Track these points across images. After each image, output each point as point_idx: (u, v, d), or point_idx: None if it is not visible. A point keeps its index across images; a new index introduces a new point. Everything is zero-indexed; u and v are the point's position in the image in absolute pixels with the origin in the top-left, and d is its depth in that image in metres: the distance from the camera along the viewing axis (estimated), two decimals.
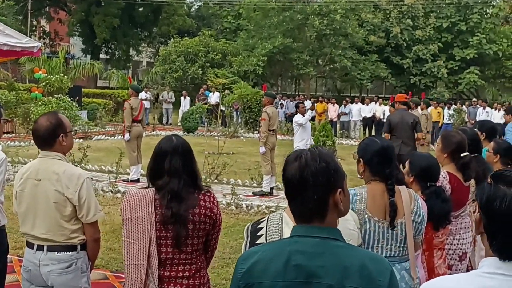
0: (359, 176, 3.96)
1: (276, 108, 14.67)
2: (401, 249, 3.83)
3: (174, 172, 3.58)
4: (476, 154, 5.61)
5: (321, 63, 39.45)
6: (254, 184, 13.03)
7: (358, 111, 27.73)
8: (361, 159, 3.85)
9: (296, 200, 2.22)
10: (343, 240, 2.22)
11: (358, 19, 39.33)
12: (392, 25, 39.88)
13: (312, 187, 2.18)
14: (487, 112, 24.72)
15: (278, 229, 3.12)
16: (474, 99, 31.30)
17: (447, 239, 4.87)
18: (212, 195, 3.68)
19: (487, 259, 1.98)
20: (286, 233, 2.84)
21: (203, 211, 3.57)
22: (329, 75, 41.78)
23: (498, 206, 1.92)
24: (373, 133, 26.59)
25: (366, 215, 3.75)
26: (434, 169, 4.58)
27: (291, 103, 28.82)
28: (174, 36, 41.52)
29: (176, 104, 30.70)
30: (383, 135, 11.89)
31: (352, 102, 28.80)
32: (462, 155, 5.08)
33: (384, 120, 20.17)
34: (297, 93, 42.72)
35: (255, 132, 24.30)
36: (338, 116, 27.92)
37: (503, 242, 1.93)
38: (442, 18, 40.54)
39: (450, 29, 40.64)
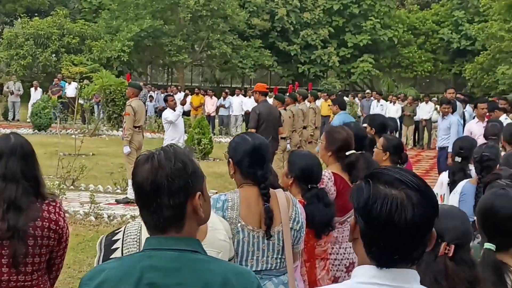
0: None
1: (145, 101, 14.61)
2: (278, 260, 3.90)
3: (10, 177, 3.46)
4: (362, 152, 5.82)
5: (197, 49, 39.53)
6: (118, 190, 12.85)
7: (240, 104, 27.94)
8: (230, 159, 3.89)
9: (149, 208, 2.20)
10: (203, 252, 2.23)
11: None
12: (278, 7, 40.62)
13: (167, 191, 2.17)
14: (381, 105, 25.75)
15: (136, 240, 3.09)
16: (368, 90, 32.50)
17: (332, 248, 5.02)
18: (58, 204, 3.59)
19: (362, 267, 2.02)
20: None
21: (47, 224, 3.48)
22: (207, 63, 41.95)
23: (378, 210, 1.95)
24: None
25: (239, 224, 3.78)
26: (315, 169, 4.69)
27: (162, 95, 28.54)
28: (22, 15, 40.08)
29: (25, 97, 29.66)
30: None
31: (232, 94, 29.00)
32: (347, 153, 5.24)
33: None
34: (169, 83, 42.55)
35: (119, 129, 23.95)
36: (217, 110, 28.03)
37: (383, 249, 1.96)
38: None
39: (341, 12, 41.98)
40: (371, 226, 1.99)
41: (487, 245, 3.05)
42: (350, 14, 41.99)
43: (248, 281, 2.20)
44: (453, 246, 2.99)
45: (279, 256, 3.89)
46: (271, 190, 3.94)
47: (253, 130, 11.56)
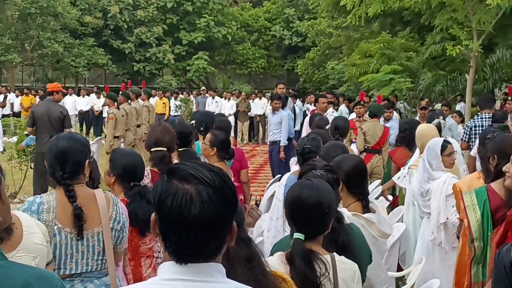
0: None
1: None
2: (99, 262, 3.86)
3: None
4: (186, 148, 5.87)
5: (28, 48, 38.03)
6: None
7: (73, 104, 27.23)
8: (45, 162, 3.82)
9: None
10: (3, 257, 2.16)
11: None
12: (110, 4, 39.94)
13: None
14: (216, 101, 26.02)
15: None
16: (203, 87, 32.73)
17: (156, 245, 5.02)
18: None
19: (165, 264, 2.04)
20: None
21: None
22: (38, 62, 40.45)
23: (169, 205, 1.96)
24: (91, 129, 26.43)
25: (56, 226, 3.72)
26: (138, 167, 4.68)
27: None
28: None
29: None
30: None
31: (65, 94, 28.17)
32: (153, 149, 5.31)
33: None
34: None
35: None
36: None
37: (177, 244, 1.98)
38: None
39: (175, 9, 41.95)
40: (163, 221, 2.01)
41: (296, 235, 3.16)
42: (184, 11, 42.04)
43: (51, 285, 2.16)
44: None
45: (100, 258, 3.85)
46: (90, 190, 3.90)
47: (30, 129, 11.55)
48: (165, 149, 5.39)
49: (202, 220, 1.95)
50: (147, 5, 41.15)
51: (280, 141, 13.56)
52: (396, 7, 13.96)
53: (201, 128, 7.56)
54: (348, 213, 4.09)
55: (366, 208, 4.30)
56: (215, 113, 11.28)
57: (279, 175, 10.41)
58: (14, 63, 37.18)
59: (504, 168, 4.01)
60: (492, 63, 21.11)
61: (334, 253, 3.26)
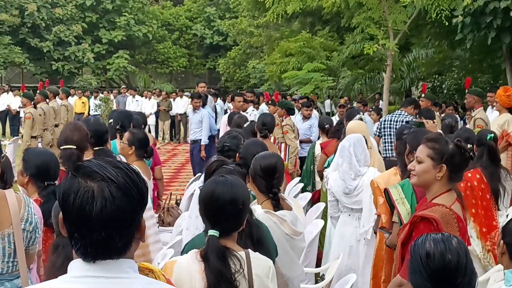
0: None
1: None
2: (10, 264, 3.76)
3: None
4: (101, 147, 5.78)
5: None
6: None
7: None
8: None
9: None
10: None
11: None
12: (27, 2, 39.01)
13: None
14: (137, 100, 25.77)
15: None
16: (124, 86, 32.35)
17: None
18: None
19: (75, 261, 2.00)
20: None
21: None
22: None
23: (72, 202, 1.92)
24: (7, 129, 25.75)
25: None
26: (52, 166, 4.58)
27: None
28: None
29: None
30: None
31: None
32: (61, 147, 5.24)
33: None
34: None
35: None
36: None
37: (82, 242, 1.94)
38: None
39: (94, 7, 41.30)
40: (67, 219, 1.97)
41: (211, 232, 3.15)
42: (104, 10, 41.44)
43: None
44: None
45: (11, 260, 3.76)
46: (1, 191, 3.79)
47: None
48: (74, 147, 5.28)
49: (104, 217, 1.91)
50: (66, 3, 40.39)
51: (201, 140, 13.54)
52: (315, 6, 14.10)
53: (117, 127, 7.46)
54: (261, 211, 4.10)
55: (276, 207, 4.32)
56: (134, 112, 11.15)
57: (200, 174, 10.40)
58: None
59: (409, 167, 4.08)
60: (408, 62, 21.69)
61: (249, 250, 3.26)
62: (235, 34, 38.73)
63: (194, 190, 8.99)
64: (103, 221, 1.91)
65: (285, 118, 11.83)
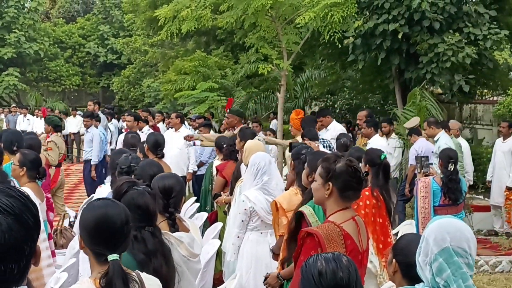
0: None
1: None
2: None
3: None
4: None
5: None
6: None
7: None
8: None
9: None
10: None
11: None
12: None
13: None
14: (28, 120, 25.08)
15: None
16: (14, 105, 31.42)
17: None
18: None
19: None
20: None
21: None
22: None
23: None
24: None
25: None
26: None
27: None
28: None
29: None
30: None
31: None
32: None
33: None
34: None
35: None
36: None
37: None
38: None
39: None
40: None
41: (112, 256, 3.04)
42: None
43: None
44: None
45: None
46: None
47: None
48: None
49: (2, 251, 1.86)
50: None
51: (91, 159, 13.33)
52: (210, 25, 14.16)
53: (14, 148, 7.23)
54: None
55: (173, 227, 4.30)
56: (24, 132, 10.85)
57: (93, 195, 10.20)
58: None
59: (311, 185, 4.17)
60: (302, 82, 22.08)
61: (137, 271, 3.21)
62: (129, 52, 38.37)
63: None
64: (2, 254, 1.86)
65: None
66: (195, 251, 4.26)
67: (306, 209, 4.74)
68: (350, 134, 12.85)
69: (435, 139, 10.59)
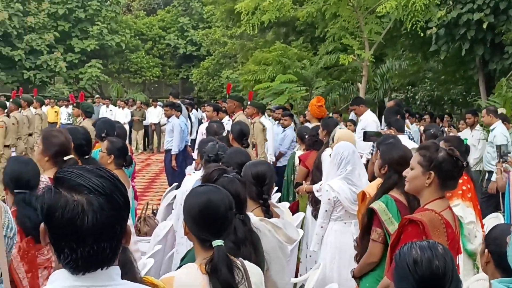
0: None
1: None
2: None
3: None
4: (88, 157, 5.73)
5: None
6: None
7: None
8: None
9: None
10: None
11: None
12: None
13: None
14: (110, 110, 25.61)
15: None
16: (97, 96, 32.18)
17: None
18: None
19: (59, 272, 1.97)
20: None
21: None
22: None
23: (60, 217, 1.89)
24: None
25: None
26: (23, 174, 4.48)
27: None
28: None
29: None
30: None
31: None
32: (65, 158, 5.10)
33: None
34: None
35: None
36: None
37: (72, 257, 1.91)
38: (57, 3, 40.69)
39: (67, 16, 41.04)
40: (54, 234, 1.94)
41: (217, 242, 3.08)
42: (76, 18, 41.19)
43: None
44: None
45: None
46: None
47: None
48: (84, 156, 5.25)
49: (95, 230, 1.90)
50: (38, 12, 40.06)
51: (171, 149, 13.45)
52: (290, 16, 14.16)
53: (103, 135, 7.40)
54: (256, 218, 4.08)
55: (267, 214, 4.32)
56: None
57: (176, 183, 10.34)
58: None
59: (403, 173, 4.12)
60: (382, 73, 21.82)
61: (241, 258, 3.23)
62: (208, 44, 38.72)
63: (172, 200, 8.97)
64: (95, 234, 1.90)
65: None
66: (293, 236, 4.27)
67: (378, 205, 4.68)
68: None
69: (491, 128, 10.42)
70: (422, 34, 13.22)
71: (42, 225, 1.97)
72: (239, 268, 3.08)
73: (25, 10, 39.62)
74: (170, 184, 12.23)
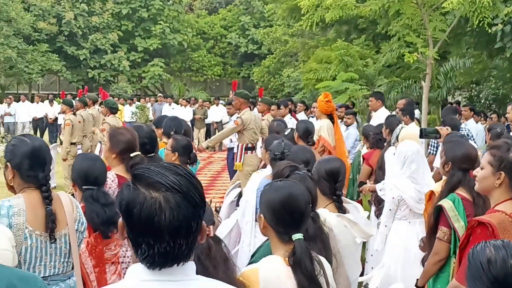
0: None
1: None
2: (65, 264, 3.84)
3: None
4: (153, 154, 5.81)
5: None
6: None
7: (27, 111, 26.96)
8: (9, 163, 3.72)
9: None
10: None
11: (23, 2, 38.20)
12: (64, 10, 39.54)
13: None
14: (173, 108, 25.91)
15: None
16: (160, 94, 32.58)
17: (122, 250, 4.95)
18: None
19: (136, 266, 2.03)
20: None
21: None
22: None
23: (139, 213, 1.94)
24: (46, 137, 26.07)
25: (27, 230, 3.66)
26: (90, 171, 4.57)
27: None
28: None
29: None
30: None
31: (18, 101, 27.91)
32: (132, 155, 5.19)
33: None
34: None
35: None
36: (1, 117, 26.89)
37: (149, 252, 1.97)
38: (121, 3, 41.40)
39: (130, 16, 41.74)
40: (132, 229, 1.99)
41: (297, 235, 3.12)
42: (139, 18, 41.84)
43: (35, 286, 2.14)
44: (211, 227, 3.06)
45: (66, 260, 3.84)
46: (54, 193, 3.85)
47: None
48: (148, 154, 5.34)
49: (172, 227, 1.95)
50: (102, 12, 40.84)
51: (234, 147, 13.48)
52: (354, 14, 14.07)
53: (171, 133, 7.49)
54: (332, 214, 4.09)
55: (340, 210, 4.33)
56: None
57: (239, 181, 10.39)
58: None
59: (473, 172, 4.07)
60: (445, 71, 21.47)
61: (314, 252, 3.26)
62: (269, 42, 38.74)
63: (236, 198, 9.03)
64: (171, 231, 1.95)
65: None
66: (369, 231, 4.29)
67: (446, 203, 4.63)
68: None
69: None
70: (489, 31, 12.96)
71: (120, 220, 2.02)
72: (317, 261, 3.12)
73: (90, 10, 40.42)
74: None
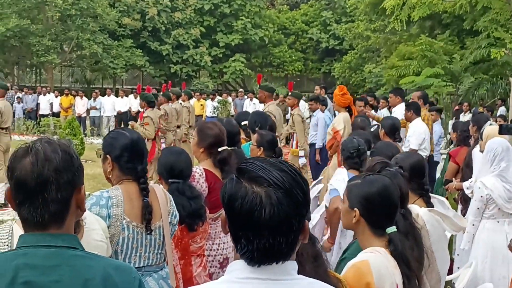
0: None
1: (12, 103, 14.19)
2: (158, 256, 3.91)
3: None
4: (234, 147, 5.87)
5: (67, 49, 38.49)
6: None
7: (112, 105, 27.62)
8: (108, 156, 3.82)
9: (32, 204, 2.13)
10: (81, 248, 2.19)
11: None
12: (148, 6, 40.24)
13: (55, 185, 2.12)
14: (254, 103, 26.05)
15: (8, 245, 2.98)
16: (241, 89, 32.80)
17: (209, 243, 5.03)
18: None
19: (236, 262, 2.02)
20: None
21: None
22: (77, 63, 40.90)
23: (239, 207, 1.94)
24: None
25: (125, 221, 3.76)
26: (176, 165, 4.64)
27: (31, 96, 28.15)
28: None
29: None
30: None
31: (103, 95, 28.60)
32: (220, 149, 5.26)
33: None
34: (38, 84, 41.19)
35: None
36: (88, 111, 27.60)
37: (248, 247, 1.96)
38: None
39: (212, 12, 42.12)
40: (233, 223, 1.99)
41: (391, 229, 3.16)
42: (221, 14, 42.21)
43: (130, 277, 2.19)
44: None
45: (159, 251, 3.91)
46: (150, 185, 3.93)
47: None
48: (230, 148, 5.39)
49: (272, 224, 1.92)
50: (185, 7, 41.36)
51: (316, 143, 13.44)
52: (441, 9, 13.85)
53: (256, 128, 7.54)
54: (424, 209, 4.08)
55: (429, 204, 4.32)
56: None
57: (321, 177, 10.37)
58: (53, 64, 37.66)
59: None
60: None
61: None
62: (351, 38, 38.44)
63: (319, 193, 9.04)
64: (271, 227, 1.92)
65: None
66: (462, 224, 4.26)
67: None
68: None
69: None
70: None
71: (223, 213, 2.03)
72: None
73: (173, 6, 41.01)
74: (314, 178, 12.28)
